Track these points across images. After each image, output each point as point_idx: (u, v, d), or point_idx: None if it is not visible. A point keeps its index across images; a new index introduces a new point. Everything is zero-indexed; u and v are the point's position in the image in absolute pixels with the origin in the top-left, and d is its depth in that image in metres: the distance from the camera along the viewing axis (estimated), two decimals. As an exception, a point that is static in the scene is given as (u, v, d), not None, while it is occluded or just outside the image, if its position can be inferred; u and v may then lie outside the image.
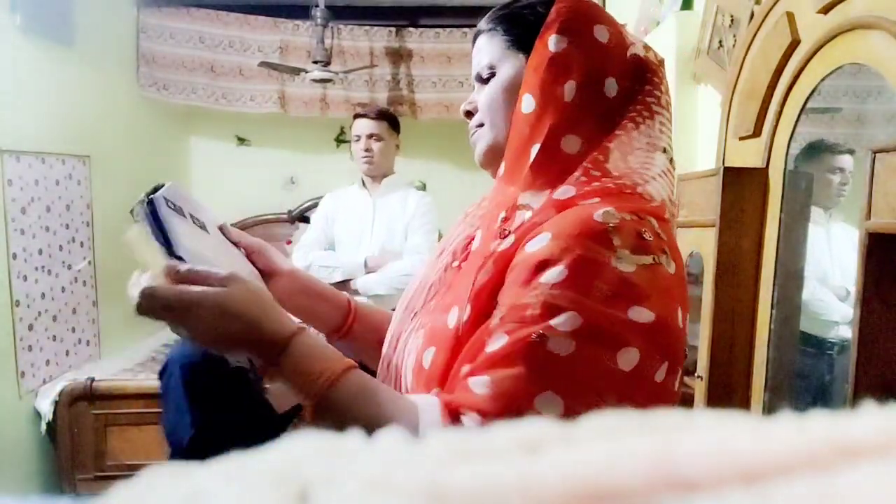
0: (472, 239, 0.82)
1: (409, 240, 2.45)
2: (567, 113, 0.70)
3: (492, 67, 0.76)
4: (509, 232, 0.69)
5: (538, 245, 0.63)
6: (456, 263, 0.81)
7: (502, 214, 0.71)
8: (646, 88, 0.72)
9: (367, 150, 2.44)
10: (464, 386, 0.61)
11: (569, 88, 0.69)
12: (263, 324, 0.66)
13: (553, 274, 0.60)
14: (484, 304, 0.65)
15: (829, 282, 1.48)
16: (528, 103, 0.70)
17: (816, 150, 1.50)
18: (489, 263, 0.67)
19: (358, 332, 0.92)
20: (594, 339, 0.59)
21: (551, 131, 0.69)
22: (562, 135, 0.70)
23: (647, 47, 0.75)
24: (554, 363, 0.59)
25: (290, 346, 0.66)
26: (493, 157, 0.77)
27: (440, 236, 0.87)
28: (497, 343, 0.61)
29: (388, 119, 2.49)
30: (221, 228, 0.83)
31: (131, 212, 0.71)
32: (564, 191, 0.68)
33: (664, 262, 0.64)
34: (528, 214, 0.69)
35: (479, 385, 0.60)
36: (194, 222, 0.78)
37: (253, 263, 0.86)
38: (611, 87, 0.71)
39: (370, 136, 2.44)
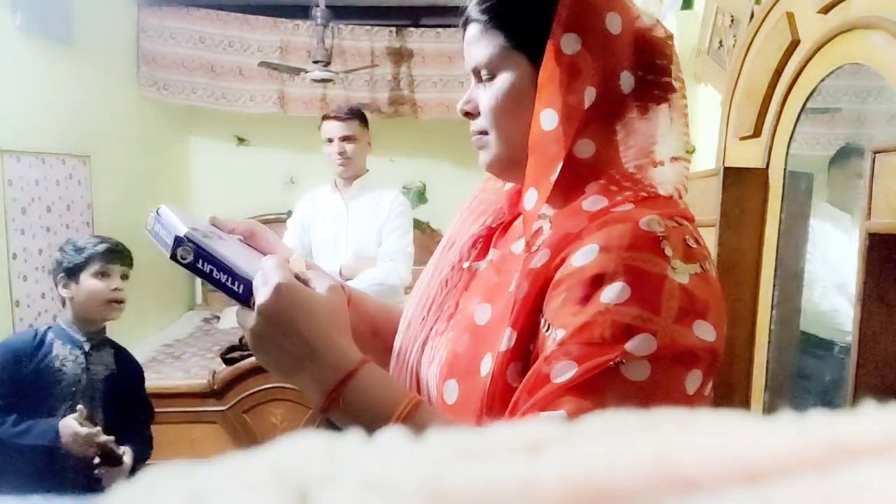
0: (479, 238, 0.79)
1: (382, 245, 2.38)
2: (584, 119, 0.66)
3: (491, 70, 0.70)
4: (526, 243, 0.66)
5: (587, 258, 0.59)
6: (467, 264, 0.78)
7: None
8: (656, 69, 0.69)
9: (341, 152, 2.36)
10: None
11: (588, 95, 0.65)
12: (323, 342, 0.62)
13: (614, 291, 0.56)
14: (524, 323, 0.62)
15: (847, 289, 1.48)
16: (549, 120, 0.65)
17: (849, 153, 1.48)
18: (523, 281, 0.63)
19: (351, 318, 0.85)
20: (669, 362, 0.56)
21: (565, 143, 0.65)
22: (576, 141, 0.67)
23: (655, 20, 0.70)
24: (632, 390, 0.56)
25: (359, 374, 0.61)
26: (501, 168, 0.73)
27: (443, 237, 0.81)
28: (566, 372, 0.56)
29: (359, 117, 2.42)
30: (213, 221, 0.78)
31: (174, 257, 0.65)
32: (595, 200, 0.65)
33: (709, 269, 0.62)
34: (546, 225, 0.66)
35: (556, 420, 0.56)
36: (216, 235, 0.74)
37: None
38: (626, 82, 0.67)
39: (344, 139, 2.37)
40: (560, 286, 0.60)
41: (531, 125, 0.67)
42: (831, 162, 1.48)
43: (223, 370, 2.81)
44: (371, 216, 2.39)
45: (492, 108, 0.70)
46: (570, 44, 0.65)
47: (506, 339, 0.61)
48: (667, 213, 0.62)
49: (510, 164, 0.72)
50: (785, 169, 1.41)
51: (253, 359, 2.79)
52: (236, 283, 0.66)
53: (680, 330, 0.56)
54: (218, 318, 4.28)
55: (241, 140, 4.73)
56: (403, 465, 0.16)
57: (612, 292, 0.57)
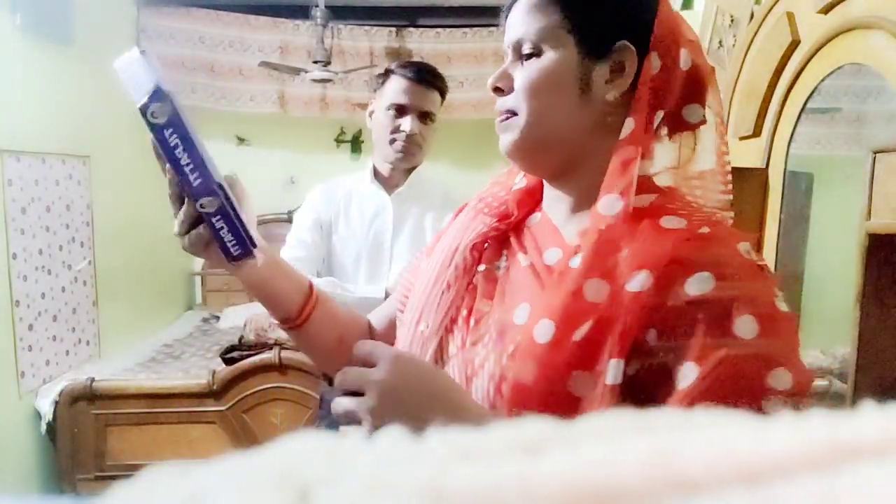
0: (487, 240, 0.75)
1: None
2: (650, 140, 0.67)
3: (537, 45, 0.66)
4: (594, 251, 0.62)
5: (703, 287, 0.57)
6: (483, 267, 0.74)
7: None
8: (700, 101, 0.69)
9: (412, 134, 1.56)
10: None
11: (658, 119, 0.66)
12: (465, 402, 0.61)
13: (746, 324, 0.55)
14: (627, 350, 0.59)
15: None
16: (628, 127, 0.65)
17: None
18: (619, 305, 0.59)
19: (316, 320, 0.81)
20: (796, 395, 0.55)
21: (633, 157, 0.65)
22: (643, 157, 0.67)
23: (701, 51, 0.70)
24: None
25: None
26: (524, 153, 0.70)
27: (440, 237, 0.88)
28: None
29: (442, 91, 1.63)
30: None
31: (144, 110, 0.58)
32: (673, 221, 0.62)
33: None
34: (579, 237, 0.65)
35: None
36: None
37: None
38: (695, 113, 0.68)
39: (422, 116, 1.57)
40: (679, 315, 0.57)
41: (610, 126, 0.66)
42: None
43: (223, 370, 2.81)
44: (426, 226, 1.67)
45: (529, 86, 0.67)
46: (654, 63, 0.65)
47: (612, 371, 0.58)
48: (744, 238, 0.62)
49: (536, 149, 0.69)
50: (785, 169, 1.41)
51: (252, 359, 2.79)
52: (196, 175, 0.61)
53: (797, 361, 0.56)
54: (217, 318, 4.28)
55: (241, 140, 4.73)
56: (403, 465, 0.16)
57: (744, 326, 0.55)
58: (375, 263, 1.64)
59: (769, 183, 1.44)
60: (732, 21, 1.77)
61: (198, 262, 4.74)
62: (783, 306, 0.58)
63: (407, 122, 1.55)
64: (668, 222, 0.62)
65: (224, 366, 2.90)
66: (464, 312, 0.72)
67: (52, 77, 3.01)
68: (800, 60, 1.35)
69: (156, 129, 0.59)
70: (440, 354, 0.72)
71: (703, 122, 0.69)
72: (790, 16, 1.39)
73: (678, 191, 0.70)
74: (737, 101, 1.57)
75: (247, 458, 0.17)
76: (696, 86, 0.67)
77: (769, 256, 1.43)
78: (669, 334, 0.57)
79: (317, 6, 3.60)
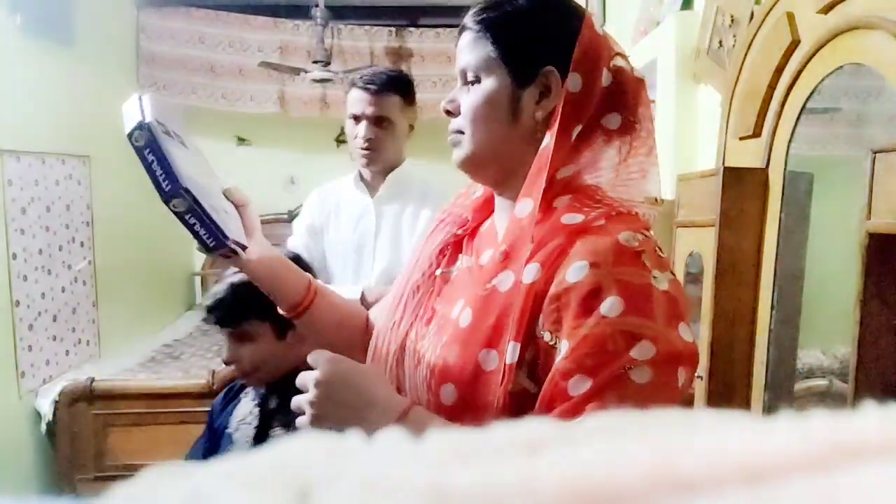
0: (448, 245, 0.86)
1: None
2: (571, 149, 0.74)
3: (476, 73, 0.77)
4: (506, 251, 0.72)
5: (579, 275, 0.65)
6: (440, 271, 0.85)
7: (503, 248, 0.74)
8: (627, 109, 0.76)
9: (368, 139, 1.66)
10: None
11: (576, 131, 0.73)
12: (375, 391, 0.72)
13: (611, 304, 0.63)
14: (524, 335, 0.68)
15: None
16: (545, 142, 0.73)
17: None
18: (518, 295, 0.68)
19: (317, 310, 0.93)
20: (665, 364, 0.63)
21: (554, 165, 0.73)
22: (565, 164, 0.74)
23: (629, 64, 0.77)
24: (637, 393, 0.62)
25: (412, 411, 0.70)
26: (471, 166, 0.80)
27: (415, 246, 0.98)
28: (582, 385, 0.62)
29: (401, 91, 1.70)
30: (225, 192, 0.90)
31: (129, 136, 0.73)
32: (572, 216, 0.71)
33: (675, 274, 0.69)
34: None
35: None
36: (178, 140, 0.81)
37: None
38: (614, 121, 0.75)
39: (376, 121, 1.66)
40: (558, 300, 0.66)
41: (534, 141, 0.75)
42: None
43: (222, 370, 2.81)
44: (408, 225, 1.74)
45: (469, 111, 0.77)
46: (574, 83, 0.73)
47: (510, 351, 0.67)
48: (634, 226, 0.69)
49: (479, 163, 0.79)
50: (785, 169, 1.41)
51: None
52: (167, 182, 0.74)
53: (671, 334, 0.63)
54: (218, 318, 4.27)
55: (241, 140, 4.73)
56: (404, 465, 0.16)
57: (609, 305, 0.63)
58: (360, 265, 1.75)
59: (769, 183, 1.44)
60: (732, 21, 1.77)
61: (198, 263, 4.74)
62: (662, 286, 0.65)
63: (361, 129, 1.66)
64: (567, 218, 0.71)
65: (224, 366, 2.89)
66: (420, 311, 0.83)
67: (52, 77, 3.01)
68: (800, 60, 1.35)
69: (136, 150, 0.74)
70: (402, 348, 0.82)
71: (627, 127, 0.76)
72: (790, 16, 1.39)
73: (592, 189, 0.76)
74: (737, 101, 1.57)
75: (247, 458, 0.17)
76: (616, 97, 0.75)
77: (769, 256, 1.43)
78: (553, 318, 0.66)
79: (317, 6, 3.60)
